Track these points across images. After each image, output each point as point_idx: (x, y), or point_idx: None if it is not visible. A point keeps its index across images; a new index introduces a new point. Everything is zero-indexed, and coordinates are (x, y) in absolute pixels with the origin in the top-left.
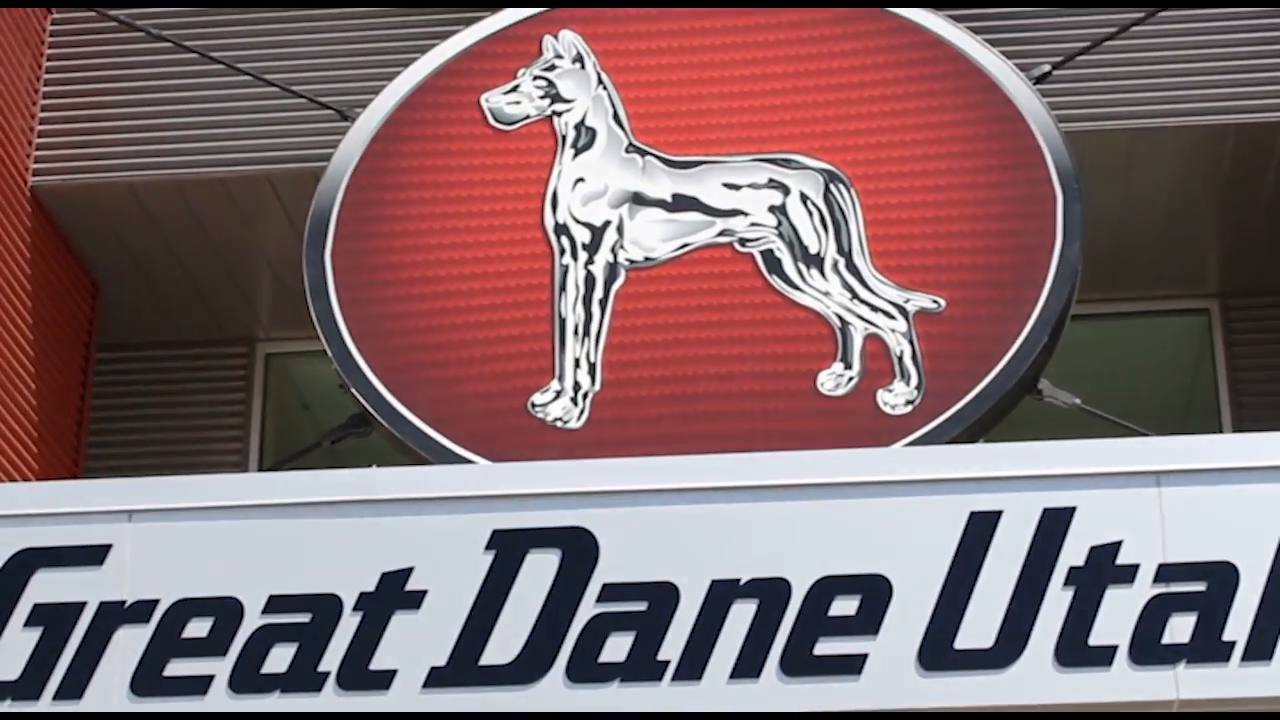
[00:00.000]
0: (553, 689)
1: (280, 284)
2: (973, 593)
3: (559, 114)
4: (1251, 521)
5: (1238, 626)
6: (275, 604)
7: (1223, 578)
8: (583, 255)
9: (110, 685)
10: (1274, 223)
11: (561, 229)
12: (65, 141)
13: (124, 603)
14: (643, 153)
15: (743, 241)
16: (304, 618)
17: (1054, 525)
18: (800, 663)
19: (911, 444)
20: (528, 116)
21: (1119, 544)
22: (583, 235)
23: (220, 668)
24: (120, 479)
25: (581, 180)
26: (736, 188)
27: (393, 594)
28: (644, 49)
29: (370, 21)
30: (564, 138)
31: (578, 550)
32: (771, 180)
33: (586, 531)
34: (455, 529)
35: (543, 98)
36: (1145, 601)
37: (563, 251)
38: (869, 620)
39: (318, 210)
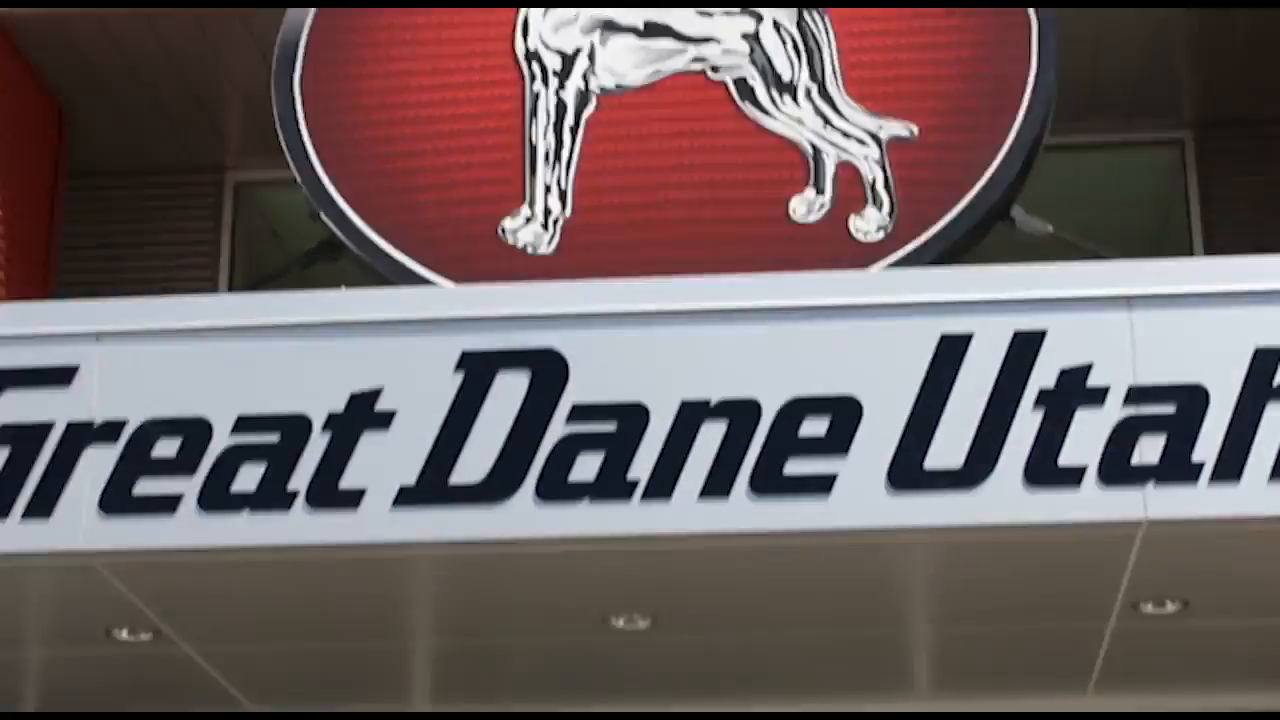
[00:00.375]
0: (522, 507)
1: (250, 112)
2: (943, 414)
3: None
4: (1222, 345)
5: (1206, 448)
6: (244, 424)
7: (1192, 400)
8: (554, 82)
9: (79, 504)
10: (1249, 54)
11: (533, 55)
12: None
13: (91, 423)
14: None
15: (715, 69)
16: (273, 438)
17: (1025, 348)
18: (770, 482)
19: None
20: None
21: (1089, 367)
22: (554, 62)
23: (189, 486)
24: (88, 300)
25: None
26: (709, 14)
27: (362, 414)
28: None
29: None
30: None
31: (547, 371)
32: (744, 7)
33: (556, 353)
34: (425, 350)
35: None
36: (1115, 423)
37: (534, 78)
38: (839, 440)
39: (286, 37)
